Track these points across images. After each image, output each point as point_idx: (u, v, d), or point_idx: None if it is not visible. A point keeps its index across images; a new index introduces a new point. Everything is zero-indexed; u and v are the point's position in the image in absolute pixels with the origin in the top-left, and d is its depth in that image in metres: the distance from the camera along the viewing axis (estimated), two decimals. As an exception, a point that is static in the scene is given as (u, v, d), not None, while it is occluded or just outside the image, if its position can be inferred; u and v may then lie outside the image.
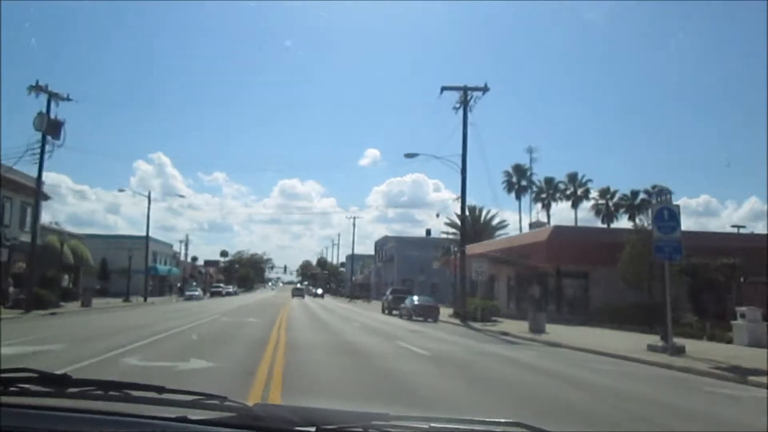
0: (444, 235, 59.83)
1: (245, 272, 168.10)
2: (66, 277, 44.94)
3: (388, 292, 42.54)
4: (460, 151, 32.01)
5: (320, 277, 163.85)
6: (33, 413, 1.56)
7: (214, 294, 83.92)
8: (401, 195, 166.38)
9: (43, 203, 39.39)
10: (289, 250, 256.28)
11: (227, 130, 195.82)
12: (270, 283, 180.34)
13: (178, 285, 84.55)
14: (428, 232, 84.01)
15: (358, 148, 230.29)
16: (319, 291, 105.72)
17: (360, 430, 1.53)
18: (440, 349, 16.58)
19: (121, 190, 53.21)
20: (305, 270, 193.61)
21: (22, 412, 1.56)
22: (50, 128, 29.49)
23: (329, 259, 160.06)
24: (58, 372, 1.74)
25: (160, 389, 1.71)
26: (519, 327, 25.79)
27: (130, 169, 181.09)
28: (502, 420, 1.67)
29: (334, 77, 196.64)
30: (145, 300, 52.27)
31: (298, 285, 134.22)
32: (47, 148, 29.57)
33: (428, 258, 75.08)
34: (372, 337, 20.18)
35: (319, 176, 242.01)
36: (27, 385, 1.67)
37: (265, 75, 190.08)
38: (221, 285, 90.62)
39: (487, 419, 1.71)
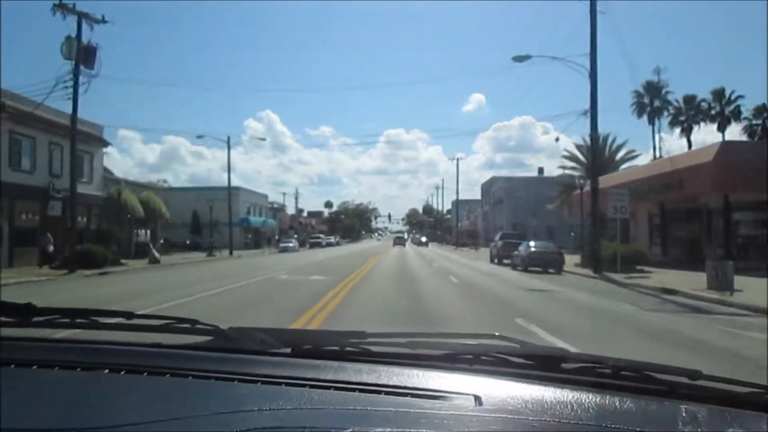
0: (563, 171, 51.30)
1: (350, 222, 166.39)
2: (140, 232, 41.70)
3: (496, 238, 35.59)
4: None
5: (426, 224, 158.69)
6: None
7: (313, 245, 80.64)
8: (508, 140, 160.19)
9: (108, 152, 35.63)
10: (396, 200, 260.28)
11: (331, 83, 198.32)
12: (376, 233, 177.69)
13: (276, 237, 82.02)
14: (541, 170, 75.42)
15: (463, 93, 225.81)
16: (423, 239, 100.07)
17: (336, 348, 1.52)
18: (597, 333, 9.71)
19: (199, 137, 47.09)
20: (411, 218, 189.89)
21: None
22: (82, 56, 24.79)
23: (435, 206, 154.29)
24: None
25: (129, 315, 1.65)
26: (682, 280, 18.25)
27: (240, 127, 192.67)
28: (479, 333, 1.66)
29: (434, 19, 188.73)
30: (231, 253, 48.42)
31: (399, 234, 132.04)
32: (82, 80, 24.95)
33: (541, 199, 66.73)
34: (475, 305, 13.66)
35: (423, 124, 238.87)
36: None
37: (365, 23, 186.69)
38: (321, 236, 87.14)
39: (465, 333, 1.75)
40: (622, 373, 1.38)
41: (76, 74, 24.76)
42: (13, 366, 1.41)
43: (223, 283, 18.83)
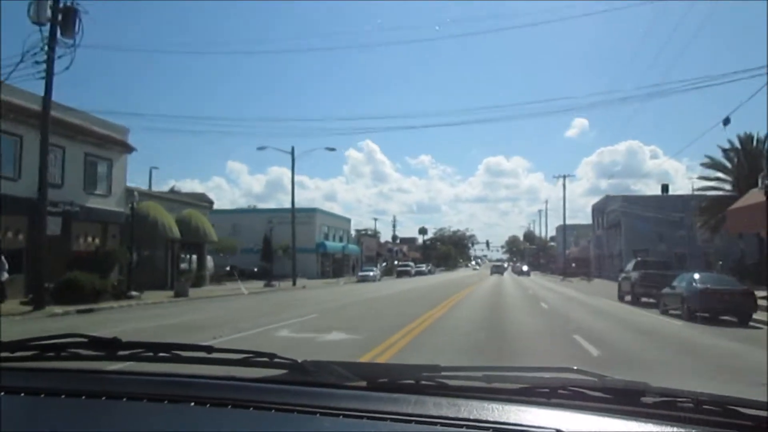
0: (702, 183, 40.33)
1: (446, 249, 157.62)
2: (191, 257, 35.49)
3: (628, 267, 26.05)
4: None
5: (527, 252, 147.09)
6: (85, 377, 1.59)
7: (401, 274, 73.03)
8: (614, 165, 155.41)
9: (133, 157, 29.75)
10: (496, 228, 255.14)
11: (429, 112, 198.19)
12: (473, 262, 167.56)
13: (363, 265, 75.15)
14: (665, 188, 63.71)
15: (565, 118, 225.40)
16: (524, 267, 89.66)
17: (412, 382, 1.52)
18: None
19: (260, 148, 40.94)
20: (511, 245, 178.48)
21: (75, 376, 1.59)
22: (58, 19, 18.61)
23: (537, 233, 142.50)
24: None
25: (209, 349, 1.67)
26: None
27: (343, 157, 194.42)
28: (555, 366, 1.62)
29: (534, 45, 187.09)
30: (294, 283, 41.33)
31: (497, 262, 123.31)
32: (59, 51, 18.73)
33: (667, 221, 55.53)
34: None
35: (524, 151, 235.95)
36: (78, 350, 1.65)
37: (463, 52, 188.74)
38: (410, 264, 79.19)
39: (541, 366, 1.68)
40: (704, 407, 1.33)
41: (50, 45, 18.55)
42: (104, 398, 1.45)
43: (202, 337, 11.25)
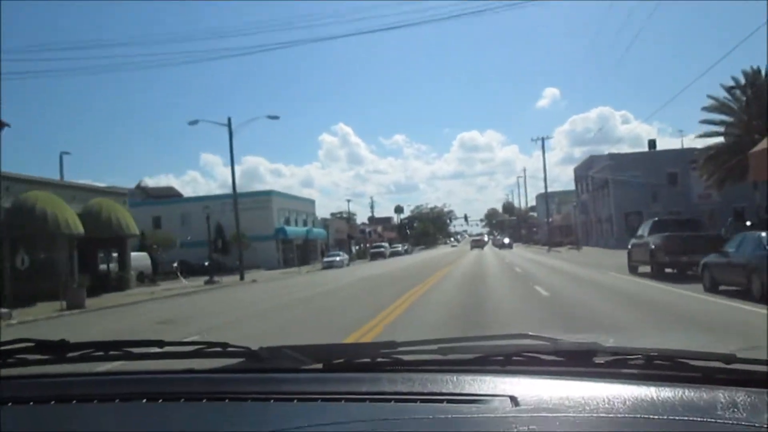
0: (706, 128, 34.81)
1: (424, 227, 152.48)
2: (103, 256, 29.40)
3: (642, 231, 20.32)
4: None
5: (507, 224, 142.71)
6: (34, 382, 1.56)
7: (375, 256, 67.48)
8: (587, 132, 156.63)
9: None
10: (474, 203, 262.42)
11: (401, 90, 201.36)
12: (452, 239, 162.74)
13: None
14: (652, 143, 58.74)
15: (536, 89, 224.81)
16: (506, 239, 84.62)
17: (368, 360, 1.52)
18: None
19: (192, 123, 34.92)
20: (491, 218, 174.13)
21: (23, 383, 1.56)
22: None
23: (516, 204, 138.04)
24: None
25: (161, 343, 1.64)
26: None
27: (316, 142, 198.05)
28: (508, 333, 1.65)
29: (501, 18, 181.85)
30: (242, 277, 35.46)
31: (477, 236, 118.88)
32: None
33: (660, 179, 50.58)
34: None
35: (497, 125, 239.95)
36: (25, 355, 1.60)
37: (433, 28, 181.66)
38: (384, 245, 73.63)
39: (493, 334, 1.73)
40: (655, 362, 1.36)
41: None
42: (53, 402, 1.42)
43: None
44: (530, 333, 1.60)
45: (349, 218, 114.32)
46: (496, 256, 49.10)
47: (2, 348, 1.62)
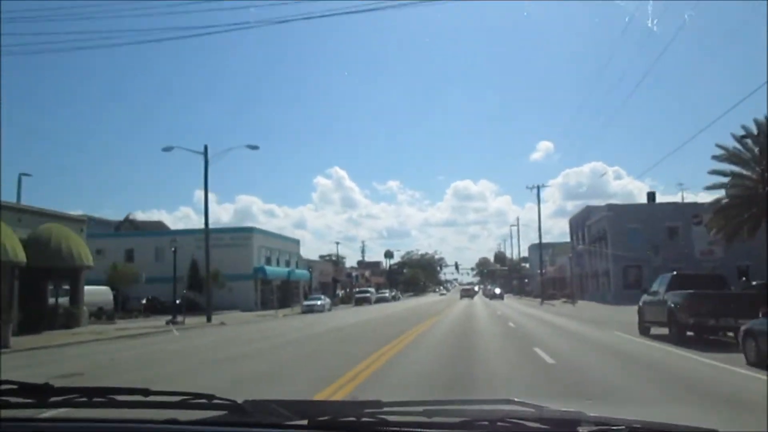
0: (715, 179, 32.55)
1: (413, 273, 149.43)
2: (54, 288, 26.42)
3: (657, 286, 17.65)
4: None
5: (498, 273, 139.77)
6: (14, 426, 1.54)
7: (360, 301, 64.55)
8: (579, 186, 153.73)
9: None
10: (466, 252, 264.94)
11: (396, 137, 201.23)
12: (441, 287, 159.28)
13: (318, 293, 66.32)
14: (651, 196, 56.74)
15: (530, 141, 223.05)
16: (497, 290, 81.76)
17: (353, 419, 1.50)
18: None
19: (166, 149, 32.49)
20: (482, 267, 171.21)
21: (5, 426, 1.54)
22: None
23: (508, 254, 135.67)
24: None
25: (146, 392, 1.62)
26: None
27: (311, 185, 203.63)
28: (494, 398, 1.64)
29: (496, 71, 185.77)
30: (209, 319, 32.45)
31: (467, 285, 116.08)
32: None
33: (661, 232, 48.35)
34: None
35: (491, 175, 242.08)
36: (7, 398, 1.59)
37: (428, 78, 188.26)
38: (370, 290, 70.71)
39: (479, 399, 1.83)
40: None
41: None
42: None
43: None
44: (515, 399, 1.57)
45: (337, 261, 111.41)
46: (486, 307, 46.29)
47: None
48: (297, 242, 63.72)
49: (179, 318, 29.94)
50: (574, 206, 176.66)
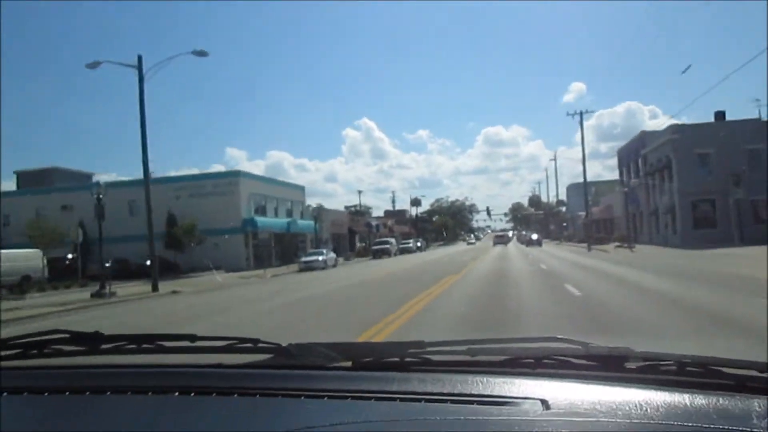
0: None
1: (443, 221, 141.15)
2: None
3: None
4: None
5: (534, 218, 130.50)
6: (68, 373, 1.61)
7: (378, 254, 56.73)
8: (613, 127, 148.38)
9: None
10: (498, 199, 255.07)
11: (425, 85, 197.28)
12: (471, 234, 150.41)
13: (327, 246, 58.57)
14: (720, 115, 46.45)
15: (562, 83, 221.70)
16: (534, 236, 72.96)
17: (396, 359, 1.51)
18: None
19: (91, 65, 24.49)
20: (515, 212, 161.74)
21: (58, 373, 1.61)
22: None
23: (544, 198, 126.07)
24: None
25: (193, 338, 1.66)
26: None
27: (340, 137, 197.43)
28: (538, 336, 1.59)
29: (527, 11, 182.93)
30: (155, 287, 24.71)
31: (500, 232, 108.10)
32: None
33: (736, 158, 38.66)
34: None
35: (522, 120, 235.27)
36: (61, 346, 1.64)
37: (457, 23, 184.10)
38: (389, 241, 62.64)
39: (525, 336, 1.65)
40: (688, 369, 1.34)
41: None
42: (88, 393, 1.45)
43: None
44: (560, 336, 1.55)
45: (361, 211, 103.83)
46: (524, 257, 37.74)
47: (39, 338, 1.64)
48: (301, 189, 55.38)
49: (107, 288, 22.22)
50: (607, 148, 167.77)
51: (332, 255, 41.12)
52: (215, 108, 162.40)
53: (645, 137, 48.09)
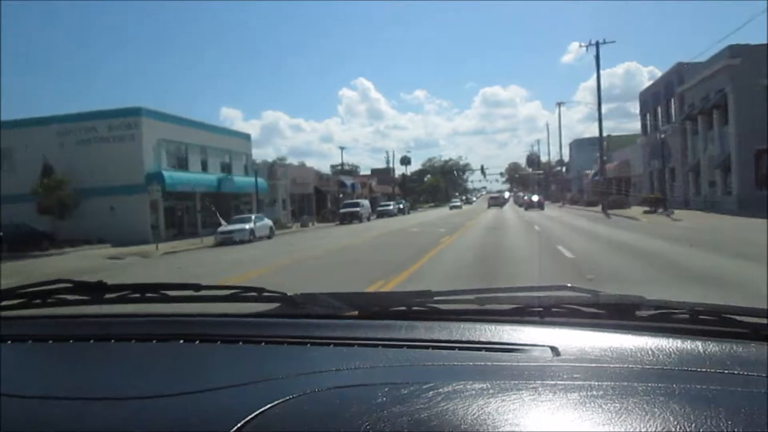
0: None
1: (434, 182, 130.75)
2: None
3: None
4: None
5: (533, 178, 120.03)
6: (72, 322, 1.61)
7: (347, 218, 46.69)
8: (613, 88, 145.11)
9: None
10: (495, 159, 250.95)
11: (422, 44, 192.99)
12: (461, 197, 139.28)
13: (291, 210, 47.99)
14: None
15: (561, 43, 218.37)
16: (535, 197, 62.61)
17: (403, 309, 1.51)
18: None
19: None
20: (512, 172, 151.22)
21: (62, 322, 1.62)
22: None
23: (544, 158, 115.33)
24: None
25: (197, 287, 1.65)
26: None
27: (336, 97, 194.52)
28: (547, 285, 1.60)
29: None
30: None
31: (496, 193, 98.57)
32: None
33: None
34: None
35: (521, 80, 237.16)
36: (64, 296, 1.65)
37: None
38: (361, 203, 52.21)
39: (534, 285, 1.65)
40: (701, 317, 1.32)
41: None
42: (92, 341, 1.44)
43: None
44: (571, 285, 1.54)
45: (345, 170, 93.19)
46: (526, 226, 27.33)
47: (42, 288, 1.65)
48: (246, 138, 43.86)
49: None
50: (607, 109, 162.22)
51: (266, 222, 30.57)
52: (212, 66, 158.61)
53: (682, 70, 37.14)
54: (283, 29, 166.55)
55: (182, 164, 33.98)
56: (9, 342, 1.44)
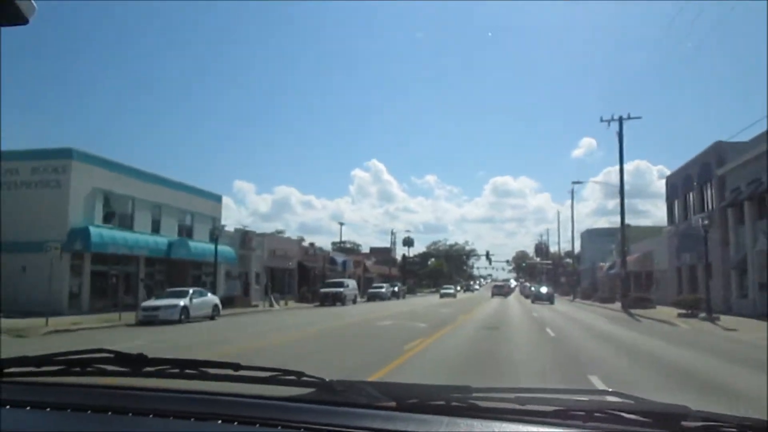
0: None
1: (437, 266, 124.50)
2: None
3: None
4: None
5: (540, 268, 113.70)
6: (110, 393, 1.58)
7: (328, 299, 41.14)
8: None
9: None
10: (502, 248, 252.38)
11: (435, 131, 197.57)
12: (465, 283, 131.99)
13: (267, 285, 42.08)
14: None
15: (572, 138, 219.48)
16: (544, 289, 56.34)
17: (442, 403, 1.47)
18: None
19: None
20: (519, 261, 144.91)
21: (101, 392, 1.59)
22: None
23: (553, 248, 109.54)
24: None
25: (236, 366, 1.64)
26: None
27: (348, 177, 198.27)
28: (590, 389, 1.46)
29: (542, 66, 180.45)
30: None
31: (501, 282, 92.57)
32: None
33: None
34: None
35: (531, 172, 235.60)
36: (104, 366, 1.63)
37: (471, 73, 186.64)
38: (345, 282, 46.22)
39: (579, 388, 1.63)
40: None
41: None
42: (130, 414, 1.43)
43: None
44: (614, 390, 1.50)
45: (347, 247, 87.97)
46: (534, 325, 21.27)
47: (83, 356, 1.63)
48: (216, 199, 38.20)
49: None
50: (615, 204, 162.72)
51: (208, 299, 24.59)
52: (225, 139, 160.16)
53: (722, 150, 31.92)
54: (300, 107, 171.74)
55: (124, 222, 28.45)
56: (48, 409, 1.43)
